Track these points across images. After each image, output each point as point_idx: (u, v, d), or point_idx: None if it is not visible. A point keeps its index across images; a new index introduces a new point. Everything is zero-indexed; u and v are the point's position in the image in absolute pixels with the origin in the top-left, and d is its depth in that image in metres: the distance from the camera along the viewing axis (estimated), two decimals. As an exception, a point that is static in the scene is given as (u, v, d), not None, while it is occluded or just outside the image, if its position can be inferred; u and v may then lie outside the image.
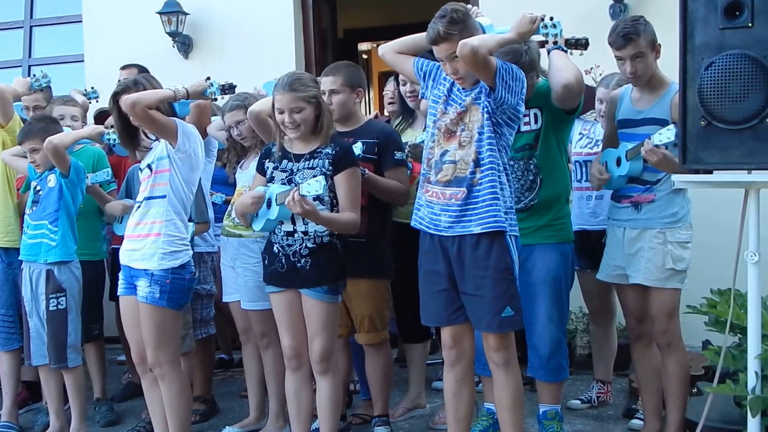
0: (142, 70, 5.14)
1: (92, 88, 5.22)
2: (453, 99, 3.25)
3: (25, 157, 4.26)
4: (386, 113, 5.38)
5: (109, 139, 4.76)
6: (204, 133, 4.05)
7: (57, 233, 4.13)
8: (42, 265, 4.14)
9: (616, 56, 3.56)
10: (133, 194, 4.20)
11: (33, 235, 4.17)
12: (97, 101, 5.16)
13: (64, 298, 4.11)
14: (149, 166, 3.62)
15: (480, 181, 3.14)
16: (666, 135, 3.36)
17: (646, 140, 3.42)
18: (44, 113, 4.60)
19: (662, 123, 3.51)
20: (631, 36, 3.47)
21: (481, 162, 3.14)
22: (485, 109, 3.14)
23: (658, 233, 3.55)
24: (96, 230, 4.56)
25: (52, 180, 4.19)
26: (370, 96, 9.66)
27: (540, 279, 3.56)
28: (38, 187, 4.22)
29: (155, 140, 3.67)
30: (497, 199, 3.15)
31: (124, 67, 5.51)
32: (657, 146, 3.39)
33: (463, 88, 3.21)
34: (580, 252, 4.40)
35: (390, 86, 5.44)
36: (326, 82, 3.88)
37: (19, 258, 4.25)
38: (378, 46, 3.51)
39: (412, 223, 3.34)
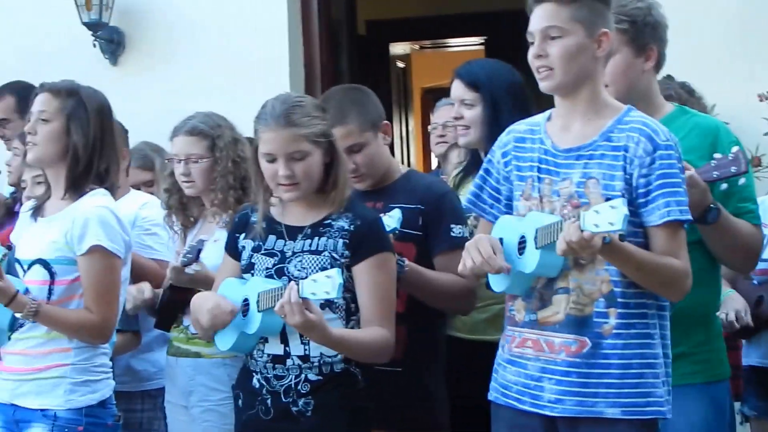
0: (23, 93, 5.18)
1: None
2: (551, 170, 3.25)
3: None
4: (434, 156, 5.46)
5: None
6: None
7: None
8: None
9: None
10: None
11: None
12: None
13: None
14: (46, 266, 3.71)
15: (617, 331, 3.13)
16: None
17: None
18: None
19: None
20: None
21: (619, 298, 3.14)
22: (623, 194, 3.12)
23: None
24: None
25: None
26: (409, 126, 9.69)
27: (680, 442, 3.52)
28: None
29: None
30: (653, 365, 3.15)
31: None
32: None
33: (542, 85, 3.25)
34: (757, 387, 4.48)
35: (441, 115, 5.53)
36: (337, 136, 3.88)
37: None
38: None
39: (490, 397, 3.34)
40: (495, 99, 4.21)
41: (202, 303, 3.58)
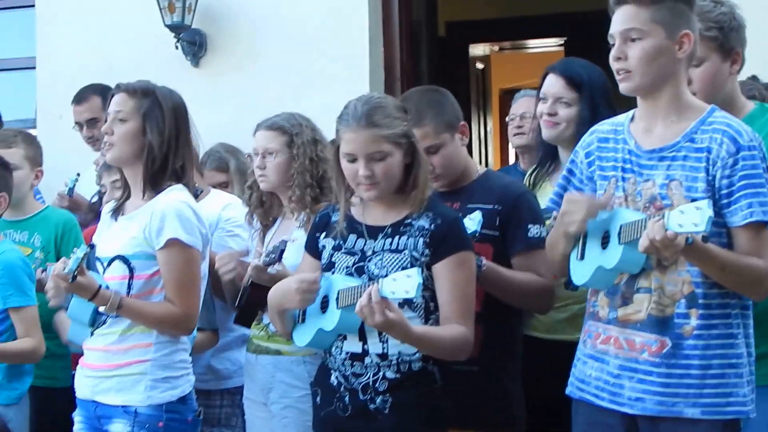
0: (107, 93, 5.31)
1: (78, 174, 5.48)
2: (635, 170, 3.26)
3: None
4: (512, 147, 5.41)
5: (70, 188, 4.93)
6: None
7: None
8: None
9: None
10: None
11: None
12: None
13: None
14: (125, 261, 3.77)
15: (698, 332, 3.14)
16: None
17: None
18: None
19: None
20: None
21: (701, 299, 3.15)
22: (707, 194, 3.12)
23: None
24: (54, 343, 4.62)
25: None
26: (488, 127, 9.69)
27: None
28: None
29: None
30: (736, 365, 3.14)
31: (78, 99, 5.79)
32: None
33: (622, 87, 3.26)
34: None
35: (520, 106, 5.51)
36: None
37: None
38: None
39: (567, 391, 3.37)
40: (594, 101, 4.21)
41: (284, 290, 3.57)
